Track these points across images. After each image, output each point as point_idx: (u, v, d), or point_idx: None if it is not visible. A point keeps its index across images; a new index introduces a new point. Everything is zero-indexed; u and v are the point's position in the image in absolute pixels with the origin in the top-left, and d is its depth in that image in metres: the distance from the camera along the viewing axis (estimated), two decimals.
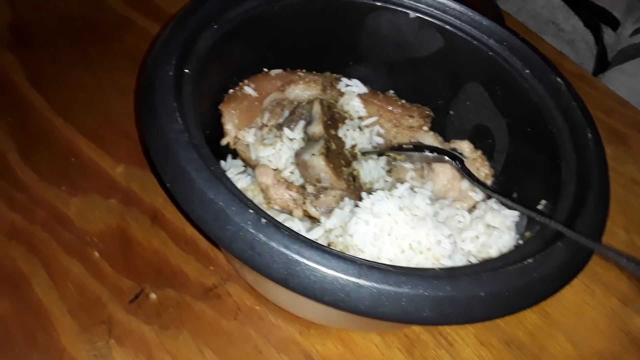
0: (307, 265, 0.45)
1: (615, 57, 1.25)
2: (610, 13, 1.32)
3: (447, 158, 0.68)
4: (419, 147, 0.71)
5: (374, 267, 0.46)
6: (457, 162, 0.67)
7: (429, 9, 0.76)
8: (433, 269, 0.49)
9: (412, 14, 0.76)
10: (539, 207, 0.63)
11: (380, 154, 0.73)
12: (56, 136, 0.75)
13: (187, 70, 0.59)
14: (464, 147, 0.76)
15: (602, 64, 1.28)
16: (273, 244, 0.45)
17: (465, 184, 0.73)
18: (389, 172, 0.74)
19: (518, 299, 0.48)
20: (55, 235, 0.65)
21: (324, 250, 0.46)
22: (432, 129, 0.79)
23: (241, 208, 0.47)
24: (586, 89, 1.09)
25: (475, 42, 0.74)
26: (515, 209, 0.63)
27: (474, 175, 0.65)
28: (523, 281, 0.48)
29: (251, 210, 0.47)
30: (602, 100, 1.07)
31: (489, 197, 0.73)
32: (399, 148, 0.72)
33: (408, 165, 0.73)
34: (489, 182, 0.74)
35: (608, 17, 1.31)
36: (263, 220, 0.46)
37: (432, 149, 0.70)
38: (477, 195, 0.72)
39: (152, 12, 0.96)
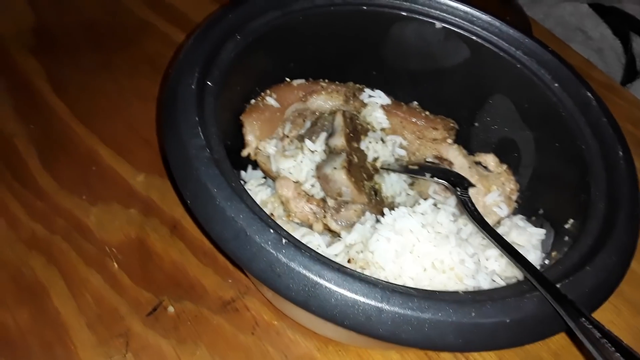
0: (327, 288, 0.44)
1: None
2: (639, 21, 1.28)
3: (446, 184, 0.67)
4: (422, 170, 0.70)
5: (396, 290, 0.45)
6: (459, 190, 0.65)
7: (455, 19, 0.74)
8: (457, 293, 0.48)
9: (438, 25, 0.74)
10: (567, 225, 0.61)
11: (393, 171, 0.71)
12: (77, 144, 0.75)
13: (209, 83, 0.58)
14: (489, 160, 0.74)
15: (631, 73, 1.24)
16: (293, 265, 0.45)
17: (490, 199, 0.71)
18: (411, 185, 0.73)
19: (545, 325, 0.47)
20: (74, 245, 0.65)
21: (345, 273, 0.45)
22: (456, 141, 0.77)
23: (262, 227, 0.46)
24: (614, 100, 1.07)
25: (502, 54, 0.72)
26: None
27: (470, 207, 0.62)
28: (550, 307, 0.46)
29: (272, 230, 0.46)
30: (630, 112, 1.05)
31: (514, 212, 0.72)
32: (405, 169, 0.70)
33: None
34: (514, 197, 0.72)
35: (637, 26, 1.28)
36: (284, 240, 0.46)
37: (434, 172, 0.69)
38: (502, 211, 0.70)
39: (174, 17, 0.96)
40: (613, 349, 0.41)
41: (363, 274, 0.46)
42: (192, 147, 0.50)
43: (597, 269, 0.50)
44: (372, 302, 0.44)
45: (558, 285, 0.48)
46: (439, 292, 0.48)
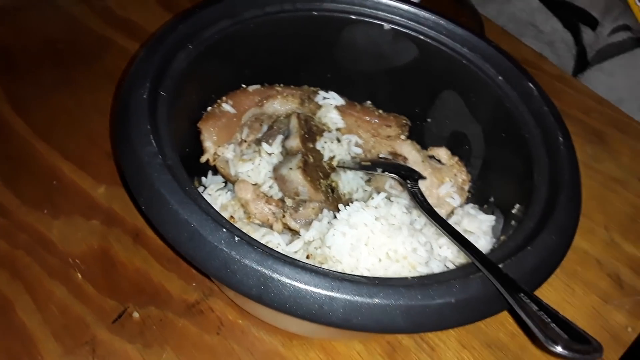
0: (280, 280, 0.46)
1: (595, 57, 1.26)
2: (588, 13, 1.33)
3: (397, 177, 0.70)
4: (374, 165, 0.72)
5: (346, 279, 0.47)
6: (409, 182, 0.68)
7: (403, 20, 0.77)
8: (405, 278, 0.50)
9: (387, 26, 0.77)
10: (514, 210, 0.64)
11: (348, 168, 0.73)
12: (38, 160, 0.76)
13: (162, 92, 0.60)
14: (442, 153, 0.77)
15: (582, 63, 1.29)
16: (246, 261, 0.46)
17: (443, 190, 0.74)
18: (368, 181, 0.75)
19: (489, 303, 0.49)
20: (38, 259, 0.66)
21: (297, 265, 0.47)
22: (410, 137, 0.80)
23: (215, 227, 0.48)
24: (566, 90, 1.11)
25: (449, 51, 0.75)
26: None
27: (420, 198, 0.65)
28: (494, 286, 0.49)
29: (224, 230, 0.48)
30: (581, 100, 1.09)
31: (466, 202, 0.75)
32: (359, 166, 0.73)
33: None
34: (466, 187, 0.75)
35: (587, 17, 1.32)
36: (236, 238, 0.47)
37: (385, 167, 0.71)
38: (455, 201, 0.73)
39: (132, 31, 0.98)
40: (549, 320, 0.44)
41: (314, 266, 0.48)
42: (145, 155, 0.52)
43: (537, 249, 0.53)
44: (323, 292, 0.46)
45: (500, 266, 0.50)
46: (388, 278, 0.50)
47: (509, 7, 1.36)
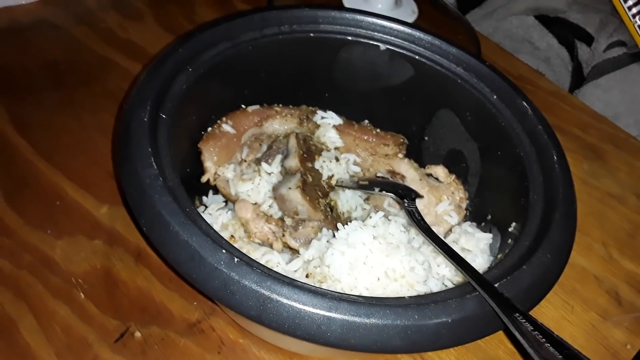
0: (279, 301, 0.47)
1: (591, 73, 1.28)
2: (583, 29, 1.35)
3: (394, 196, 0.71)
4: (372, 185, 0.73)
5: (343, 299, 0.48)
6: (407, 201, 0.69)
7: (398, 40, 0.79)
8: (402, 298, 0.51)
9: (383, 47, 0.78)
10: (510, 229, 0.65)
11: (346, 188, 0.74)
12: (41, 180, 0.77)
13: (162, 115, 0.61)
14: (439, 171, 0.78)
15: (578, 79, 1.30)
16: (246, 282, 0.47)
17: (441, 208, 0.75)
18: (366, 200, 0.76)
19: (485, 323, 0.50)
20: (41, 278, 0.67)
21: (295, 286, 0.48)
22: (408, 155, 0.81)
23: (214, 248, 0.49)
24: (562, 106, 1.12)
25: (444, 71, 0.77)
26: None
27: (417, 217, 0.66)
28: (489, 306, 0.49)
29: (224, 250, 0.49)
30: (578, 116, 1.10)
31: (464, 219, 0.76)
32: (357, 185, 0.74)
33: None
34: (463, 205, 0.76)
35: (582, 34, 1.35)
36: (236, 259, 0.48)
37: (383, 186, 0.72)
38: (453, 219, 0.74)
39: (133, 52, 0.99)
40: (544, 340, 0.44)
41: (313, 286, 0.49)
42: (146, 177, 0.53)
43: (533, 268, 0.53)
44: (321, 312, 0.47)
45: (496, 285, 0.51)
46: (385, 298, 0.51)
47: (505, 24, 1.38)
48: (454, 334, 0.48)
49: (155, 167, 0.54)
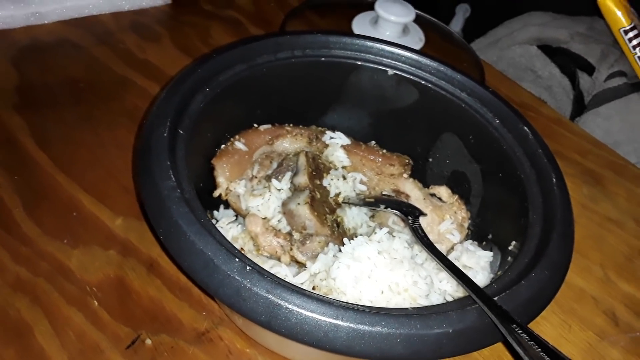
0: (287, 308, 0.49)
1: (591, 101, 1.31)
2: (585, 59, 1.39)
3: (399, 214, 0.73)
4: (378, 202, 0.76)
5: (349, 308, 0.50)
6: (411, 219, 0.71)
7: (406, 66, 0.82)
8: (406, 309, 0.53)
9: (390, 71, 0.82)
10: (510, 247, 0.67)
11: (353, 204, 0.77)
12: (59, 192, 0.80)
13: (180, 131, 0.64)
14: (442, 192, 0.81)
15: (579, 107, 1.34)
16: (257, 289, 0.50)
17: (443, 227, 0.77)
18: (372, 217, 0.79)
19: (485, 333, 0.52)
20: (57, 286, 0.69)
21: (304, 294, 0.50)
22: (412, 175, 0.84)
23: (228, 257, 0.51)
24: (563, 132, 1.15)
25: (449, 96, 0.80)
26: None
27: (420, 234, 0.69)
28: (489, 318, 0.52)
29: (237, 259, 0.51)
30: (578, 143, 1.13)
31: (466, 238, 0.78)
32: (363, 202, 0.77)
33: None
34: (465, 224, 0.78)
35: (583, 64, 1.39)
36: (248, 267, 0.51)
37: (388, 204, 0.75)
38: (455, 237, 0.76)
39: (150, 72, 1.03)
40: (539, 349, 0.47)
41: (320, 295, 0.51)
42: (165, 189, 0.56)
43: (531, 283, 0.56)
44: (328, 319, 0.49)
45: (495, 298, 0.53)
46: (389, 308, 0.53)
47: (509, 53, 1.42)
48: (455, 343, 0.51)
49: (173, 179, 0.57)
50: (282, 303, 0.49)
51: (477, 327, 0.51)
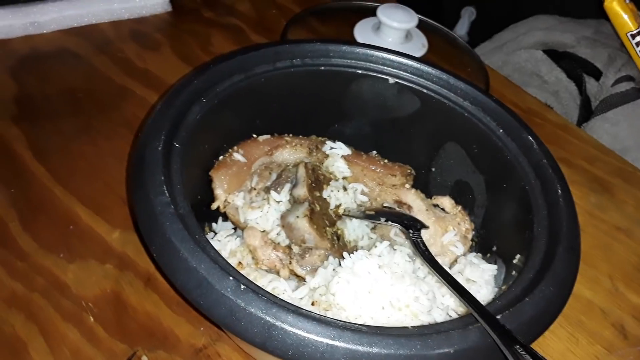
0: (283, 328, 0.48)
1: (599, 106, 1.29)
2: (592, 64, 1.37)
3: (400, 227, 0.72)
4: (379, 214, 0.74)
5: (347, 328, 0.48)
6: (412, 232, 0.70)
7: (407, 74, 0.80)
8: (406, 328, 0.51)
9: (392, 80, 0.80)
10: (515, 260, 0.66)
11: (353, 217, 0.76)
12: (56, 205, 0.79)
13: (176, 144, 0.63)
14: (445, 202, 0.79)
15: (586, 112, 1.32)
16: (251, 309, 0.48)
17: (446, 238, 0.76)
18: (373, 229, 0.78)
19: (487, 354, 0.50)
20: (53, 301, 0.68)
21: (300, 314, 0.49)
22: (415, 186, 0.82)
23: (222, 275, 0.50)
24: (570, 139, 1.13)
25: (451, 104, 0.78)
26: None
27: (421, 248, 0.67)
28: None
29: (231, 277, 0.50)
30: (585, 150, 1.10)
31: (470, 250, 0.76)
32: (364, 215, 0.75)
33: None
34: (469, 236, 0.76)
35: (590, 68, 1.36)
36: (242, 286, 0.49)
37: (389, 216, 0.73)
38: (458, 249, 0.75)
39: (150, 81, 1.02)
40: None
41: (317, 314, 0.50)
42: (158, 205, 0.54)
43: (536, 300, 0.54)
44: (325, 340, 0.47)
45: (498, 317, 0.52)
46: (389, 327, 0.52)
47: (514, 58, 1.40)
48: None
49: (167, 194, 0.55)
50: (278, 323, 0.48)
51: (479, 347, 0.50)
